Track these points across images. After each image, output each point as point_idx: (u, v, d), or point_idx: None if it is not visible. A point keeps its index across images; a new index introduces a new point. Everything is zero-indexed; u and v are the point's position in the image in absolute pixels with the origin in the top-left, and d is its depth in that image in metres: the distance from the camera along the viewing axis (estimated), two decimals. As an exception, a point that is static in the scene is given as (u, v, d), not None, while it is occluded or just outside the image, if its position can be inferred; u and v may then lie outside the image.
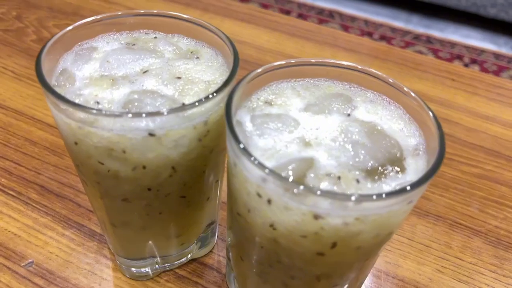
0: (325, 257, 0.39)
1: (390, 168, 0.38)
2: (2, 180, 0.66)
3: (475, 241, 0.64)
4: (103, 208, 0.48)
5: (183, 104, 0.41)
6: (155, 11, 0.51)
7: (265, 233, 0.39)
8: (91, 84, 0.43)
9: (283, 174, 0.36)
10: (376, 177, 0.38)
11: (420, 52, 2.48)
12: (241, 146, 0.36)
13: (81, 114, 0.38)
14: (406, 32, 2.64)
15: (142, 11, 0.51)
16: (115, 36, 0.50)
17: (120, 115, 0.38)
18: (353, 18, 2.72)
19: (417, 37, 2.62)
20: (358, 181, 0.37)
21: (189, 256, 0.57)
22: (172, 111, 0.38)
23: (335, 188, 0.36)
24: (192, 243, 0.56)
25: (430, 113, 0.41)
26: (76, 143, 0.42)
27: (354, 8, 2.80)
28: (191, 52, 0.49)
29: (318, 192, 0.33)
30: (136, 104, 0.41)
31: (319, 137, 0.41)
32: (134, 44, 0.50)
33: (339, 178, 0.37)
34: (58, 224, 0.61)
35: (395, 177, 0.38)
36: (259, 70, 0.44)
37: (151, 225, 0.50)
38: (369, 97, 0.46)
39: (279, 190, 0.35)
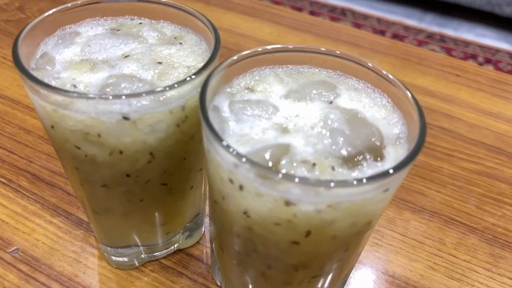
0: (300, 246, 0.38)
1: (368, 156, 0.37)
2: (-6, 167, 0.66)
3: (470, 238, 0.62)
4: (84, 195, 0.48)
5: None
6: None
7: (240, 220, 0.39)
8: (70, 68, 0.43)
9: (256, 160, 0.35)
10: (352, 165, 0.36)
11: (433, 51, 2.44)
12: (213, 131, 0.35)
13: (55, 97, 0.38)
14: (419, 31, 2.61)
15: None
16: (100, 22, 0.50)
17: (93, 98, 0.37)
18: (365, 16, 2.69)
19: (430, 36, 2.58)
20: (333, 168, 0.36)
21: (175, 246, 0.57)
22: (145, 93, 0.38)
23: (308, 175, 0.35)
24: (177, 232, 0.55)
25: (413, 102, 0.40)
26: (52, 127, 0.41)
27: (367, 6, 2.77)
28: (175, 38, 0.49)
29: (288, 178, 0.32)
30: (112, 87, 0.41)
31: (298, 124, 0.40)
32: (118, 30, 0.49)
33: (314, 165, 0.36)
34: (47, 211, 0.61)
35: (373, 165, 0.37)
36: (235, 57, 0.43)
37: (133, 212, 0.49)
38: (353, 84, 0.45)
39: (250, 175, 0.34)
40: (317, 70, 0.46)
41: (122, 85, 0.41)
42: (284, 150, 0.37)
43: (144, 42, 0.47)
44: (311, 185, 0.32)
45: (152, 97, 0.38)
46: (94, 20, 0.50)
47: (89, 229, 0.59)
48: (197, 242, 0.59)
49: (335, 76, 0.46)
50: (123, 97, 0.37)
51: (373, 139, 0.39)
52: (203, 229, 0.59)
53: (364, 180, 0.32)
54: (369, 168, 0.37)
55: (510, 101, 0.85)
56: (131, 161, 0.42)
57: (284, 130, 0.39)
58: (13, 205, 0.61)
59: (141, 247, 0.54)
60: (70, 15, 0.48)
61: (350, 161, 0.37)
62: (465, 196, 0.67)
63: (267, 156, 0.36)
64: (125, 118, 0.39)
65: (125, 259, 0.55)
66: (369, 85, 0.44)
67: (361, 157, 0.37)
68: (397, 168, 0.34)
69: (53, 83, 0.41)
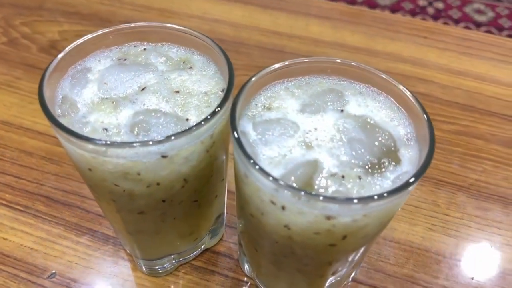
0: (336, 247, 0.43)
1: (387, 162, 0.42)
2: (6, 195, 0.67)
3: (459, 196, 0.69)
4: (120, 221, 0.51)
5: (190, 123, 0.44)
6: (146, 23, 0.51)
7: (280, 231, 0.43)
8: (95, 110, 0.45)
9: (292, 179, 0.40)
10: (375, 172, 0.41)
11: (384, -6, 2.48)
12: (252, 161, 0.39)
13: (94, 146, 0.40)
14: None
15: (132, 25, 0.51)
16: (106, 53, 0.51)
17: (132, 145, 0.40)
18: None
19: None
20: (360, 177, 0.41)
21: (202, 247, 0.61)
22: (181, 134, 0.40)
23: (340, 189, 0.40)
24: (204, 236, 0.60)
25: (414, 101, 0.44)
26: (90, 169, 0.44)
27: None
28: (183, 62, 0.51)
29: (330, 200, 0.37)
30: (143, 125, 0.43)
31: (318, 137, 0.44)
32: (125, 59, 0.51)
33: (343, 177, 0.41)
34: (71, 232, 0.63)
35: (392, 170, 0.42)
36: (253, 79, 0.46)
37: (165, 229, 0.53)
38: (358, 89, 0.49)
39: (292, 199, 0.38)
40: (323, 79, 0.50)
41: (151, 122, 0.43)
42: (313, 167, 0.41)
43: (155, 70, 0.49)
44: (350, 203, 0.37)
45: (188, 135, 0.41)
46: (100, 52, 0.51)
47: (117, 243, 0.62)
48: (221, 239, 0.63)
49: (340, 83, 0.49)
50: (159, 142, 0.40)
51: (387, 144, 0.43)
52: (224, 227, 0.64)
53: (395, 191, 0.37)
54: (391, 173, 0.42)
55: (475, 58, 0.92)
56: (167, 189, 0.46)
57: (308, 147, 0.43)
58: (37, 231, 0.63)
59: (172, 255, 0.58)
60: (78, 51, 0.49)
61: (372, 169, 0.42)
62: (449, 157, 0.74)
63: (300, 175, 0.40)
64: (163, 156, 0.42)
65: (159, 267, 0.59)
66: (373, 88, 0.49)
67: (381, 163, 0.42)
68: (418, 175, 0.39)
69: (84, 130, 0.43)
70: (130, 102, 0.46)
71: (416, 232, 0.65)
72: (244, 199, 0.46)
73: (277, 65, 0.48)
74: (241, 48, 0.91)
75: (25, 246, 0.62)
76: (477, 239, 0.64)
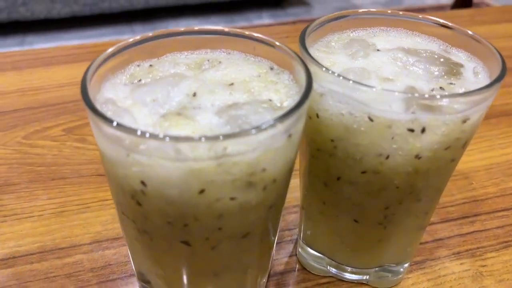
0: (456, 160, 0.44)
1: (454, 59, 0.45)
2: None
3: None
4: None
5: (276, 102, 0.38)
6: (131, 40, 0.42)
7: (408, 167, 0.41)
8: (171, 127, 0.35)
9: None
10: (459, 72, 0.44)
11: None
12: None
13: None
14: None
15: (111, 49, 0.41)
16: (111, 81, 0.41)
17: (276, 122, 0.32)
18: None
19: None
20: (452, 83, 0.43)
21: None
22: (303, 100, 0.35)
23: (454, 92, 0.41)
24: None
25: (423, 20, 0.49)
26: (202, 191, 0.34)
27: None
28: (208, 61, 0.44)
29: (470, 93, 0.38)
30: (241, 119, 0.36)
31: (390, 71, 0.44)
32: (140, 80, 0.41)
33: (441, 88, 0.42)
34: None
35: (464, 67, 0.45)
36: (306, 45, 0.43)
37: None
38: (370, 33, 0.51)
39: (434, 115, 0.38)
40: (339, 35, 0.50)
41: (245, 114, 0.37)
42: (411, 90, 0.41)
43: (185, 76, 0.41)
44: (479, 94, 0.38)
45: (306, 99, 0.36)
46: (105, 83, 0.40)
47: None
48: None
49: (351, 34, 0.50)
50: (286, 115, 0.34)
51: (439, 53, 0.47)
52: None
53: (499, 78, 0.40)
54: (467, 70, 0.45)
55: None
56: (284, 184, 0.39)
57: (390, 80, 0.43)
58: None
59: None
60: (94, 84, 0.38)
61: (453, 71, 0.44)
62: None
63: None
64: (290, 135, 0.36)
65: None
66: (380, 28, 0.51)
67: (454, 64, 0.45)
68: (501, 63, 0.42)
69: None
70: (195, 108, 0.38)
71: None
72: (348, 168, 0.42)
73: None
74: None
75: None
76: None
